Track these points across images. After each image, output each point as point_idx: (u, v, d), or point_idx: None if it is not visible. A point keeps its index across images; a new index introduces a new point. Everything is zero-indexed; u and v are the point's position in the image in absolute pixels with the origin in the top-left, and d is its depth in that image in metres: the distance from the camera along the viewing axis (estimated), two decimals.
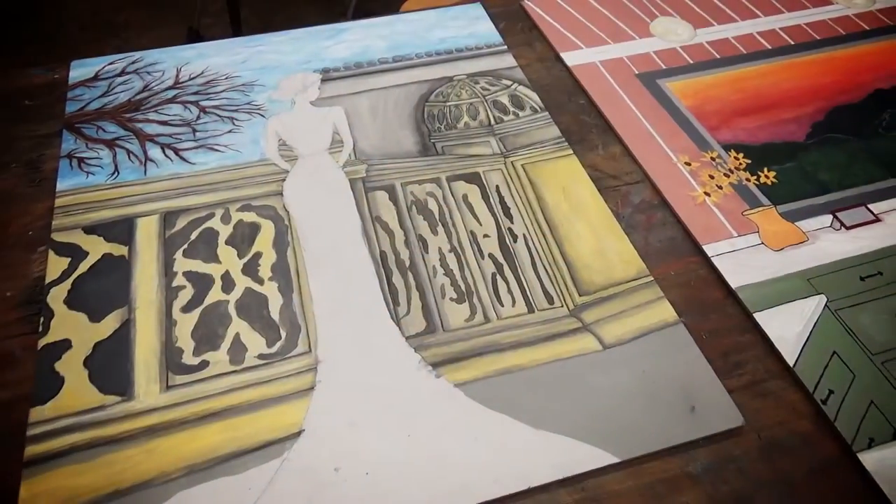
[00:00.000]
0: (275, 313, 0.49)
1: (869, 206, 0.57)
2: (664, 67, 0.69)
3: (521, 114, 0.64)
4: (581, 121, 0.64)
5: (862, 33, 0.74)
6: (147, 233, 0.53)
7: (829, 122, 0.64)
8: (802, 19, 0.76)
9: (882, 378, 0.46)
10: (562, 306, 0.50)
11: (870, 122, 0.64)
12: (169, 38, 2.07)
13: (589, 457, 0.42)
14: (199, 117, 0.62)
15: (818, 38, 0.73)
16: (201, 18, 1.98)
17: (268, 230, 0.54)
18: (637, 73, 0.68)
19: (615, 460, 0.42)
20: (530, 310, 0.50)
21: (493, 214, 0.56)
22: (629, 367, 0.46)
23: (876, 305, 0.50)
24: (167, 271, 0.51)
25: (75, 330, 0.47)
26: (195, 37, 1.94)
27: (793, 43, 0.72)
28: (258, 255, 0.52)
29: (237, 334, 0.48)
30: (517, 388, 0.45)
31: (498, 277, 0.52)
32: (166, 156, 0.59)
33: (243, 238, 0.53)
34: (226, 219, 0.55)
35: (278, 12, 2.14)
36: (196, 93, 0.65)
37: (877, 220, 0.56)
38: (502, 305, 0.50)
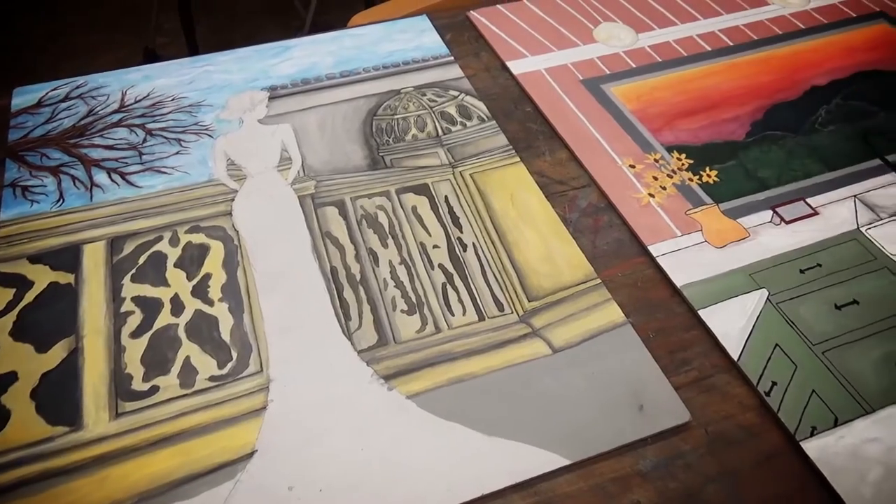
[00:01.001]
0: (225, 334, 0.49)
1: (807, 200, 0.59)
2: (608, 72, 0.70)
3: (468, 124, 0.65)
4: (528, 128, 0.65)
5: (798, 32, 0.76)
6: (94, 259, 0.53)
7: (767, 120, 0.66)
8: (740, 20, 0.78)
9: (822, 367, 0.47)
10: (512, 313, 0.51)
11: (807, 118, 0.66)
12: (126, 59, 2.05)
13: (541, 461, 0.43)
14: (145, 140, 0.62)
15: (756, 38, 0.75)
16: (157, 38, 1.96)
17: (217, 251, 0.54)
18: (581, 78, 0.70)
19: (566, 462, 0.43)
20: (481, 318, 0.50)
21: (443, 225, 0.56)
22: (579, 369, 0.47)
23: (815, 297, 0.52)
24: (115, 297, 0.51)
25: (21, 362, 0.47)
26: (152, 57, 1.92)
27: (731, 44, 0.74)
28: (208, 276, 0.52)
29: (187, 357, 0.47)
30: (469, 397, 0.46)
31: (448, 287, 0.52)
32: (112, 180, 0.59)
33: (192, 260, 0.53)
34: (174, 241, 0.54)
35: (235, 29, 2.13)
36: (142, 115, 0.64)
37: (815, 213, 0.57)
38: (453, 315, 0.50)
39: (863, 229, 0.56)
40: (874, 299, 0.51)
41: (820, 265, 0.54)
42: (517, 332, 0.49)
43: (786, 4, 0.80)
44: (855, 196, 0.59)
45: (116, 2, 2.24)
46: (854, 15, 0.79)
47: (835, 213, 0.58)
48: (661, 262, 0.54)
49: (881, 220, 0.57)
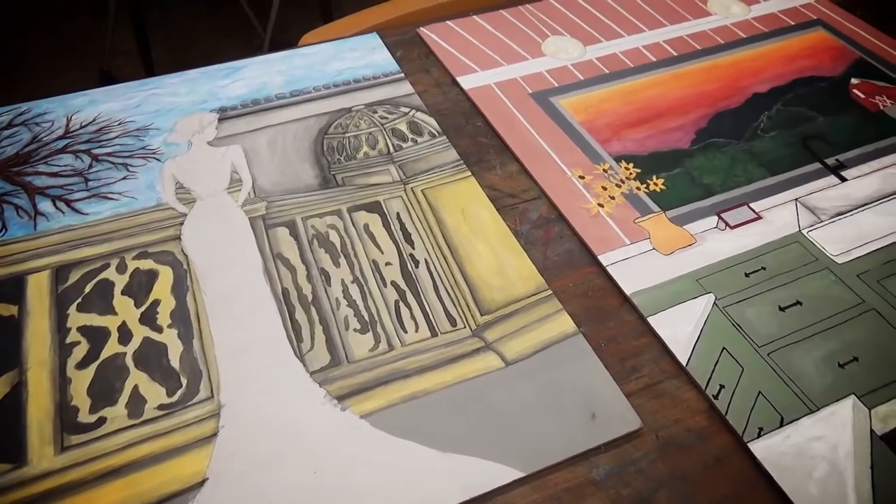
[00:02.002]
0: (175, 361, 0.48)
1: (751, 205, 0.60)
2: (556, 85, 0.72)
3: (419, 140, 0.65)
4: (478, 142, 0.66)
5: (739, 41, 0.78)
6: (38, 290, 0.52)
7: (712, 127, 0.68)
8: (684, 31, 0.80)
9: (768, 369, 0.49)
10: (464, 327, 0.51)
11: (749, 125, 0.68)
12: (81, 81, 2.02)
13: (495, 474, 0.43)
14: (91, 166, 0.61)
15: (699, 48, 0.77)
16: (113, 59, 1.94)
17: (166, 276, 0.53)
18: (531, 92, 0.71)
19: (521, 475, 0.43)
20: (433, 334, 0.50)
21: (395, 242, 0.56)
22: (531, 381, 0.48)
23: (760, 299, 0.53)
24: (60, 328, 0.50)
25: None
26: (107, 79, 1.90)
27: (676, 54, 0.76)
28: (156, 302, 0.51)
29: (136, 386, 0.47)
30: (423, 413, 0.46)
31: (401, 304, 0.52)
32: (57, 208, 0.58)
33: (140, 286, 0.52)
34: (121, 268, 0.53)
35: (194, 49, 2.11)
36: (88, 141, 0.63)
37: (758, 217, 0.59)
38: (406, 332, 0.50)
39: (804, 231, 0.58)
40: (816, 300, 0.53)
41: (764, 268, 0.55)
42: (470, 347, 0.50)
43: (727, 15, 0.82)
44: (796, 199, 0.61)
45: (72, 23, 2.21)
46: (792, 23, 0.81)
47: (778, 216, 0.59)
48: (611, 270, 0.54)
49: (822, 221, 0.59)
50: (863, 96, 0.72)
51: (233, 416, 0.45)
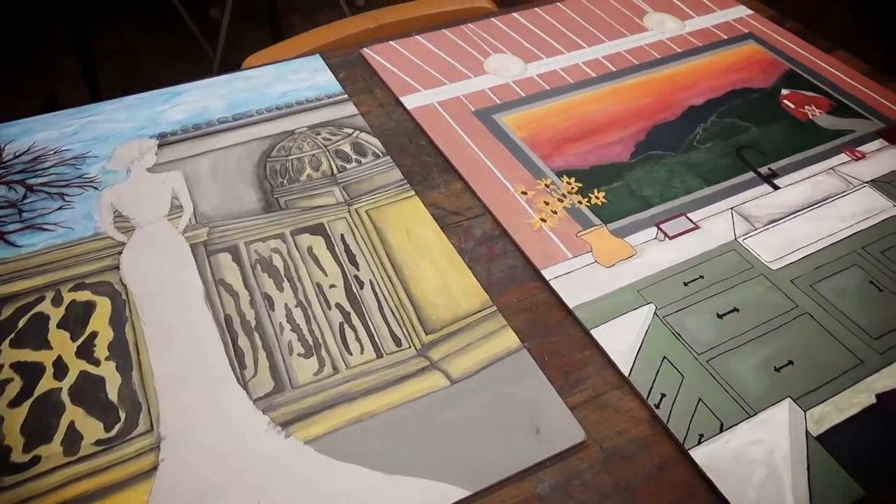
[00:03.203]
0: (113, 395, 0.47)
1: (688, 215, 0.61)
2: (499, 102, 0.73)
3: (363, 160, 0.65)
4: (422, 161, 0.66)
5: (675, 55, 0.81)
6: None
7: (650, 140, 0.69)
8: (622, 47, 0.81)
9: (707, 375, 0.50)
10: (409, 347, 0.51)
11: (685, 136, 0.70)
12: (25, 107, 1.97)
13: (441, 494, 0.43)
14: (25, 196, 0.60)
15: (637, 62, 0.79)
16: (57, 84, 1.90)
17: (104, 308, 0.52)
18: (473, 109, 0.71)
19: (466, 493, 0.43)
20: (378, 355, 0.50)
21: (339, 264, 0.56)
22: (476, 398, 0.48)
23: (699, 307, 0.54)
24: None
25: None
26: (52, 104, 1.86)
27: (614, 69, 0.78)
28: (94, 334, 0.50)
29: (72, 422, 0.45)
30: (369, 436, 0.46)
31: (345, 326, 0.52)
32: None
33: (77, 319, 0.51)
34: (57, 301, 0.52)
35: (143, 70, 2.08)
36: (22, 171, 0.62)
37: (696, 227, 0.60)
38: (350, 354, 0.50)
39: (740, 239, 0.59)
40: (752, 306, 0.54)
41: (702, 277, 0.56)
42: (415, 367, 0.50)
43: (663, 30, 0.85)
44: (732, 208, 0.62)
45: (18, 47, 2.15)
46: (725, 37, 0.84)
47: (714, 225, 0.61)
48: (554, 285, 0.55)
49: (756, 229, 0.60)
50: (793, 106, 0.74)
51: (173, 448, 0.44)
